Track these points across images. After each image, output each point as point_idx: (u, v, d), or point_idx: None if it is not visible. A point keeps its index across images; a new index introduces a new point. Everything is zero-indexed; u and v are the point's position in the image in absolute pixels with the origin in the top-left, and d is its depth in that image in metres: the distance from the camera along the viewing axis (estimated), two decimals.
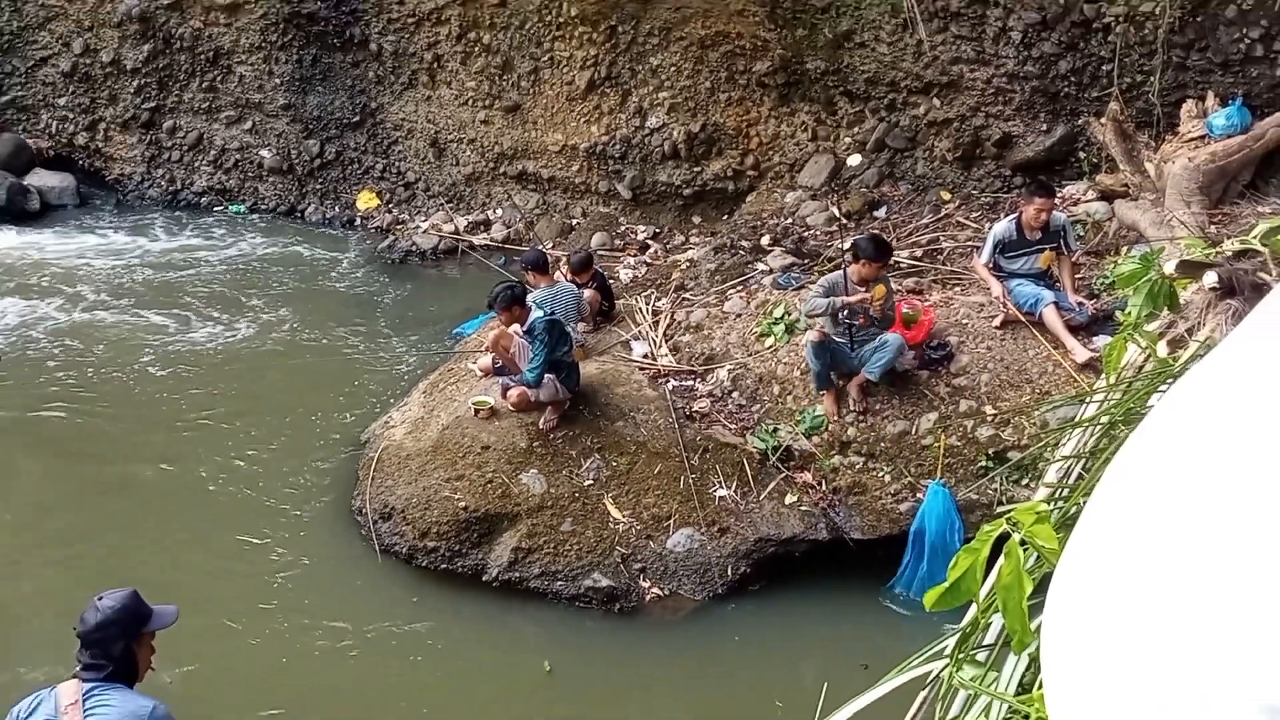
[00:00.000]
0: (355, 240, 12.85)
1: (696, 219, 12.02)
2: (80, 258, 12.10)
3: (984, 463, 7.51)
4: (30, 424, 9.01)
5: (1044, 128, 10.37)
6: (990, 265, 8.34)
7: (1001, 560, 1.70)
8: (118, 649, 4.19)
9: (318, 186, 13.38)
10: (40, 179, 13.38)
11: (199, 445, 8.80)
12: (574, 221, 12.35)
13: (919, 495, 7.50)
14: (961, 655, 2.07)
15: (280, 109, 13.09)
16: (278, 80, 12.94)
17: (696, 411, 8.32)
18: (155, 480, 8.41)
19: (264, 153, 13.35)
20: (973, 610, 2.24)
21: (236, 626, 7.03)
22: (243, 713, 6.30)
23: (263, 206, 13.49)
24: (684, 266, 10.82)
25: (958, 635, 2.16)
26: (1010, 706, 1.81)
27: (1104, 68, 9.79)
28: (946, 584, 1.73)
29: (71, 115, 13.71)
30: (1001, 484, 7.29)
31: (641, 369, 8.78)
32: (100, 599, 4.24)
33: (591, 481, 7.74)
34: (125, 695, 4.17)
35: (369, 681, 6.65)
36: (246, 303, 11.23)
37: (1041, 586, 1.80)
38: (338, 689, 6.59)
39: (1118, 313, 7.49)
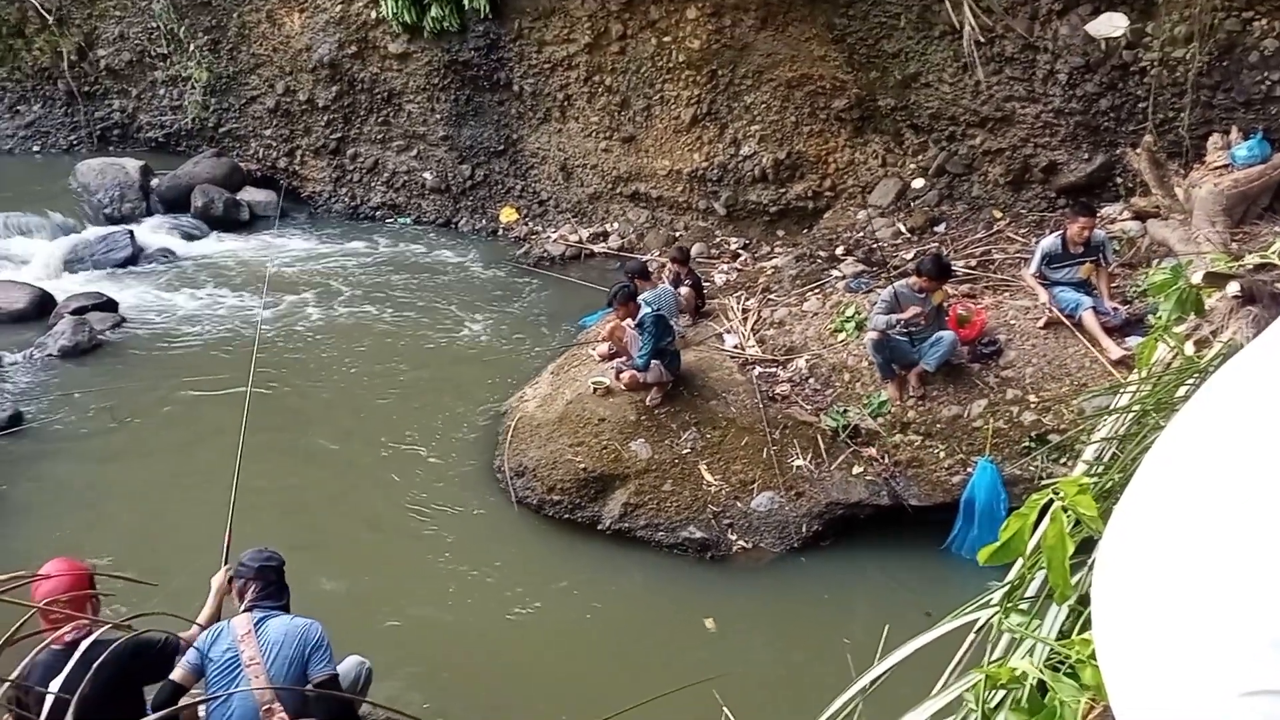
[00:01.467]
0: (499, 247, 13.04)
1: (781, 232, 11.92)
2: (280, 259, 12.51)
3: (1027, 443, 7.32)
4: (239, 382, 9.36)
5: (1086, 156, 10.03)
6: (1037, 274, 8.13)
7: (1046, 524, 1.66)
8: (279, 583, 4.40)
9: (469, 203, 13.59)
10: (249, 195, 13.80)
11: (377, 413, 9.05)
12: (677, 234, 12.34)
13: (969, 470, 7.34)
14: (1009, 605, 2.03)
15: (440, 139, 13.33)
16: (438, 116, 13.17)
17: (778, 394, 8.26)
18: (342, 439, 8.68)
19: (426, 175, 13.61)
20: (1017, 567, 2.19)
21: (400, 556, 7.23)
22: (406, 621, 6.50)
23: (425, 219, 13.75)
24: (769, 272, 10.73)
25: (1006, 588, 2.11)
26: (1052, 649, 1.77)
27: (1140, 105, 9.43)
28: (998, 543, 1.70)
29: (274, 143, 14.15)
30: (1042, 462, 7.09)
31: (732, 357, 8.75)
32: (260, 549, 4.46)
33: (689, 450, 7.75)
34: (288, 618, 4.32)
35: (508, 604, 6.78)
36: (412, 296, 11.49)
37: (1081, 548, 1.76)
38: (483, 609, 6.72)
39: (1149, 316, 7.24)
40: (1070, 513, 1.67)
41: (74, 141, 14.91)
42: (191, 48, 13.88)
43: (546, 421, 8.07)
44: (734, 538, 7.37)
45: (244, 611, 4.30)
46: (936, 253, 8.82)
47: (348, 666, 4.76)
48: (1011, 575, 2.26)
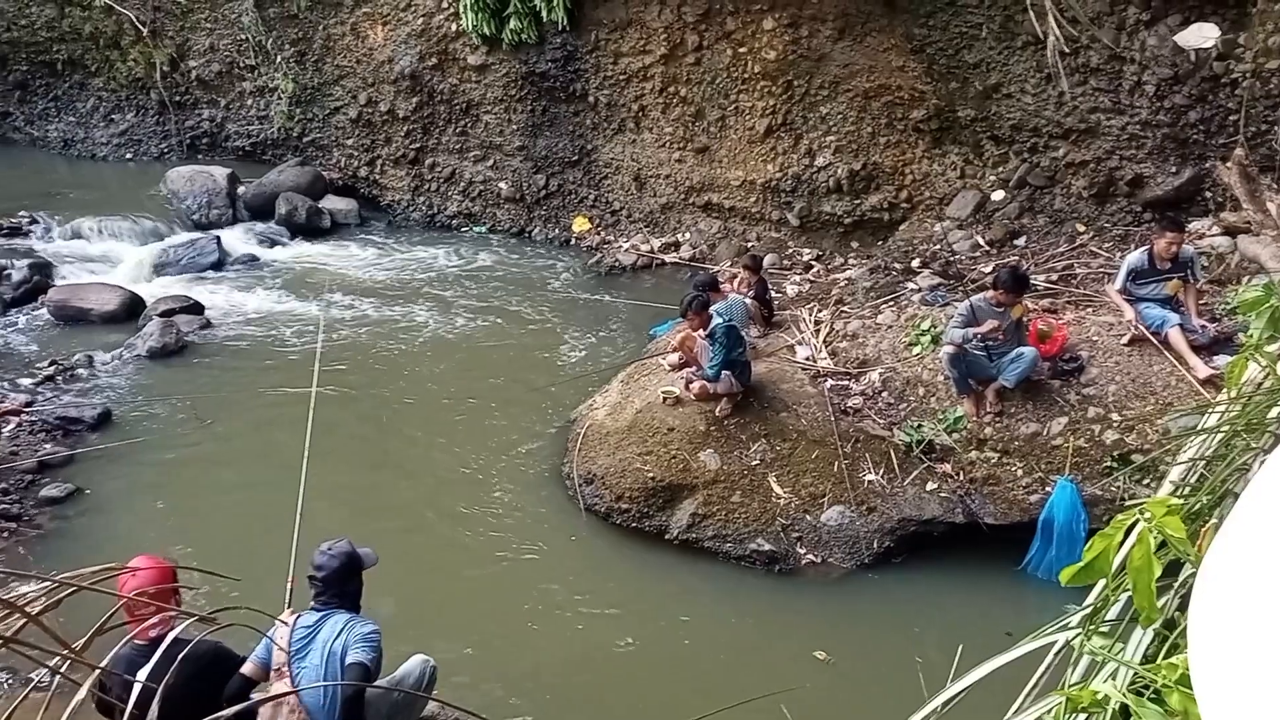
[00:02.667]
0: (571, 256, 13.15)
1: (855, 244, 11.81)
2: (362, 265, 12.82)
3: (1109, 463, 7.14)
4: (322, 386, 9.57)
5: (1173, 169, 9.75)
6: (1122, 290, 7.93)
7: (1132, 545, 1.62)
8: (349, 584, 4.46)
9: (543, 213, 13.73)
10: (331, 203, 14.11)
11: (451, 417, 9.19)
12: (749, 245, 12.29)
13: (1048, 489, 7.17)
14: (1091, 627, 1.98)
15: (515, 149, 13.50)
16: (515, 126, 13.34)
17: (850, 407, 8.17)
18: (416, 442, 8.84)
19: (502, 185, 13.79)
20: (1099, 588, 2.14)
21: (468, 558, 7.32)
22: (472, 623, 6.58)
23: (499, 228, 13.92)
24: (843, 284, 10.64)
25: (1088, 610, 2.06)
26: (1135, 673, 1.72)
27: (1231, 118, 9.14)
28: (1081, 564, 1.66)
29: (356, 153, 14.46)
30: (1124, 483, 6.90)
31: (804, 369, 8.68)
32: (330, 547, 4.47)
33: (758, 462, 7.71)
34: (351, 617, 4.40)
35: (575, 609, 6.83)
36: (487, 303, 11.65)
37: (1167, 570, 1.71)
38: (549, 613, 6.77)
39: (1239, 335, 7.02)
40: (1156, 534, 1.63)
41: (165, 149, 15.45)
42: (278, 59, 14.29)
43: (616, 430, 8.10)
44: (803, 551, 7.31)
45: (310, 609, 4.43)
46: (1013, 266, 8.65)
47: (411, 665, 4.83)
48: (1092, 597, 2.21)
